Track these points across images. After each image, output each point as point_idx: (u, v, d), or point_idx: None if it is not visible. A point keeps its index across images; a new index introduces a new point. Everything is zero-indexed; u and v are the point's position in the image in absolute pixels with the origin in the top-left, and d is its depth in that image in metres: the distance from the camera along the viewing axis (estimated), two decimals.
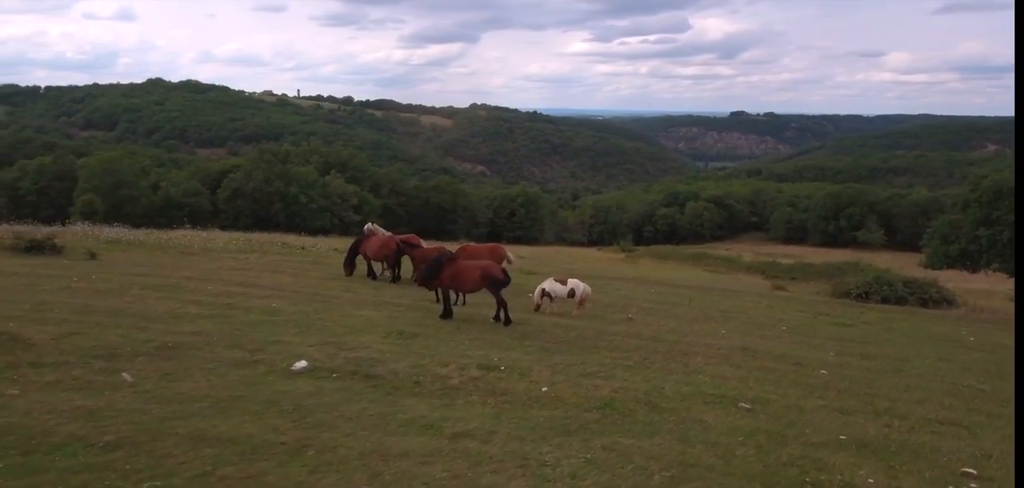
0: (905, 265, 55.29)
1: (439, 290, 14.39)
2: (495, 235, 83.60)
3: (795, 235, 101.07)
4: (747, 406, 8.98)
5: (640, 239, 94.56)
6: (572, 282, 15.99)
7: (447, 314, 13.94)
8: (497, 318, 13.90)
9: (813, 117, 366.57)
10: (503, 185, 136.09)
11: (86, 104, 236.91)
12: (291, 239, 34.81)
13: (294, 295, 15.61)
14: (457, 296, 16.21)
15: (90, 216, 53.52)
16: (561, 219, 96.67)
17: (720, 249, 75.26)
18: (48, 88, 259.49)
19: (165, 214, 60.81)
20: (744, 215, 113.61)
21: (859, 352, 14.57)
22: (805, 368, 12.21)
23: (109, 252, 22.28)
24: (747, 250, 76.83)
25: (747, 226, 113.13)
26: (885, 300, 26.16)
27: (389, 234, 20.78)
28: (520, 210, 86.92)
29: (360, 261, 20.02)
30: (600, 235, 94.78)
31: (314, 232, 53.80)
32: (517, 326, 13.74)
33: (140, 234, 28.67)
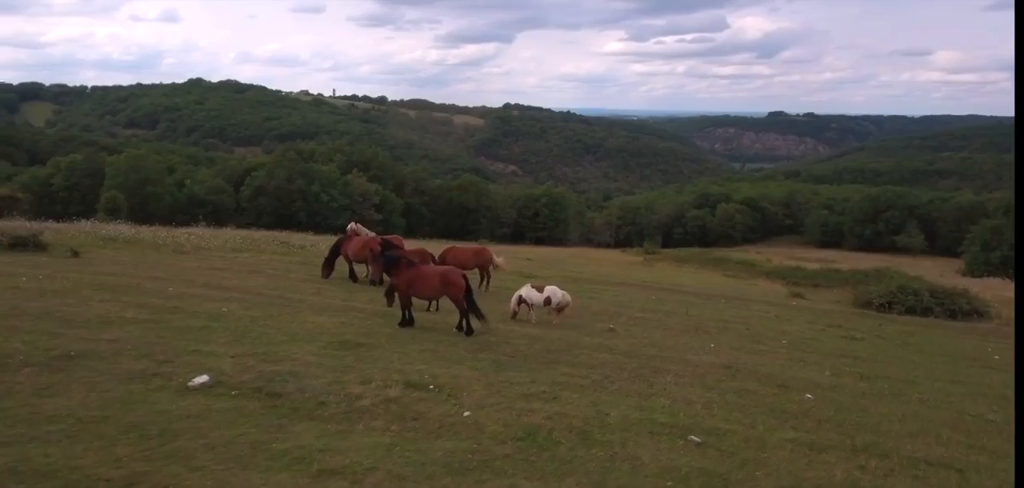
0: (945, 271, 52.49)
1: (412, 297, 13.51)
2: (518, 236, 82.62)
3: (831, 239, 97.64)
4: (698, 439, 7.81)
5: (669, 241, 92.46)
6: (549, 289, 14.93)
7: (406, 322, 13.03)
8: (460, 327, 12.94)
9: (855, 118, 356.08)
10: (535, 185, 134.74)
11: (129, 103, 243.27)
12: (297, 237, 34.46)
13: (255, 298, 14.88)
14: (429, 303, 15.33)
15: (113, 213, 54.45)
16: (587, 220, 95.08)
17: (751, 252, 72.93)
18: (94, 88, 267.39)
19: (189, 211, 61.44)
20: (778, 218, 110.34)
21: (860, 372, 13.18)
22: (789, 391, 10.94)
23: (98, 250, 21.94)
24: (779, 254, 74.28)
25: (781, 229, 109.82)
26: (910, 310, 24.43)
27: (372, 234, 20.00)
28: (544, 210, 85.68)
29: (342, 263, 19.28)
30: (627, 237, 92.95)
31: (335, 230, 53.61)
32: (482, 335, 12.76)
33: (141, 231, 28.45)
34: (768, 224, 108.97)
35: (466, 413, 7.97)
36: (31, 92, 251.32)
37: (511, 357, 11.31)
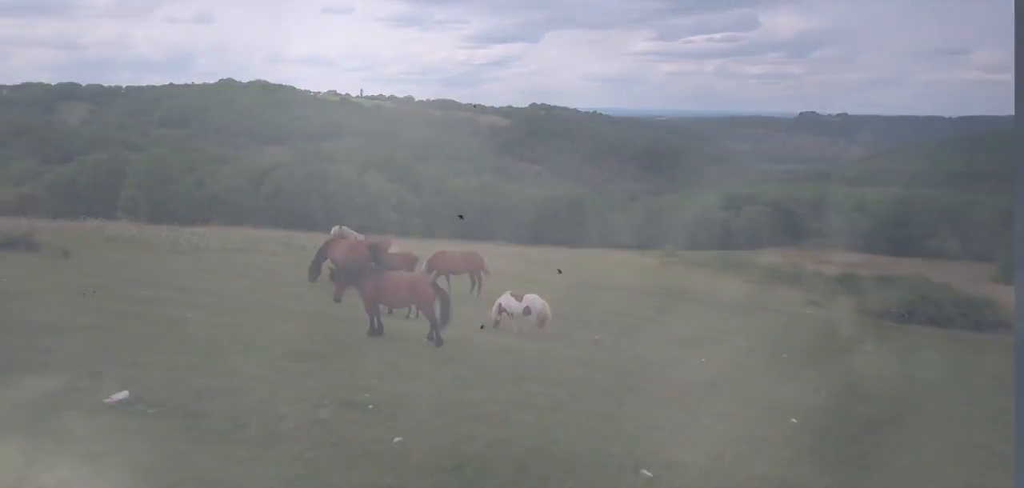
0: (978, 277, 50.21)
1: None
2: (538, 237, 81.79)
3: (860, 242, 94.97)
4: (650, 474, 7.05)
5: (693, 243, 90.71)
6: (528, 299, 14.24)
7: (374, 331, 12.42)
8: (430, 337, 12.29)
9: (889, 118, 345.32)
10: (560, 185, 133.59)
11: (162, 103, 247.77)
12: (301, 237, 34.14)
13: (229, 302, 14.46)
14: (409, 309, 14.73)
15: (133, 212, 55.04)
16: (609, 221, 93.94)
17: (775, 256, 71.10)
18: (128, 88, 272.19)
19: (207, 210, 61.83)
20: (806, 220, 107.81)
21: (860, 393, 12.22)
22: (774, 414, 10.08)
23: (93, 250, 21.76)
24: (805, 257, 72.21)
25: (809, 232, 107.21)
26: (931, 320, 23.14)
27: (361, 238, 19.48)
28: (564, 211, 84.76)
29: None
30: (651, 239, 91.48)
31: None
32: (454, 345, 12.12)
33: (144, 230, 28.46)
34: (796, 227, 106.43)
35: (396, 439, 7.31)
36: (67, 92, 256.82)
37: (476, 372, 10.63)
